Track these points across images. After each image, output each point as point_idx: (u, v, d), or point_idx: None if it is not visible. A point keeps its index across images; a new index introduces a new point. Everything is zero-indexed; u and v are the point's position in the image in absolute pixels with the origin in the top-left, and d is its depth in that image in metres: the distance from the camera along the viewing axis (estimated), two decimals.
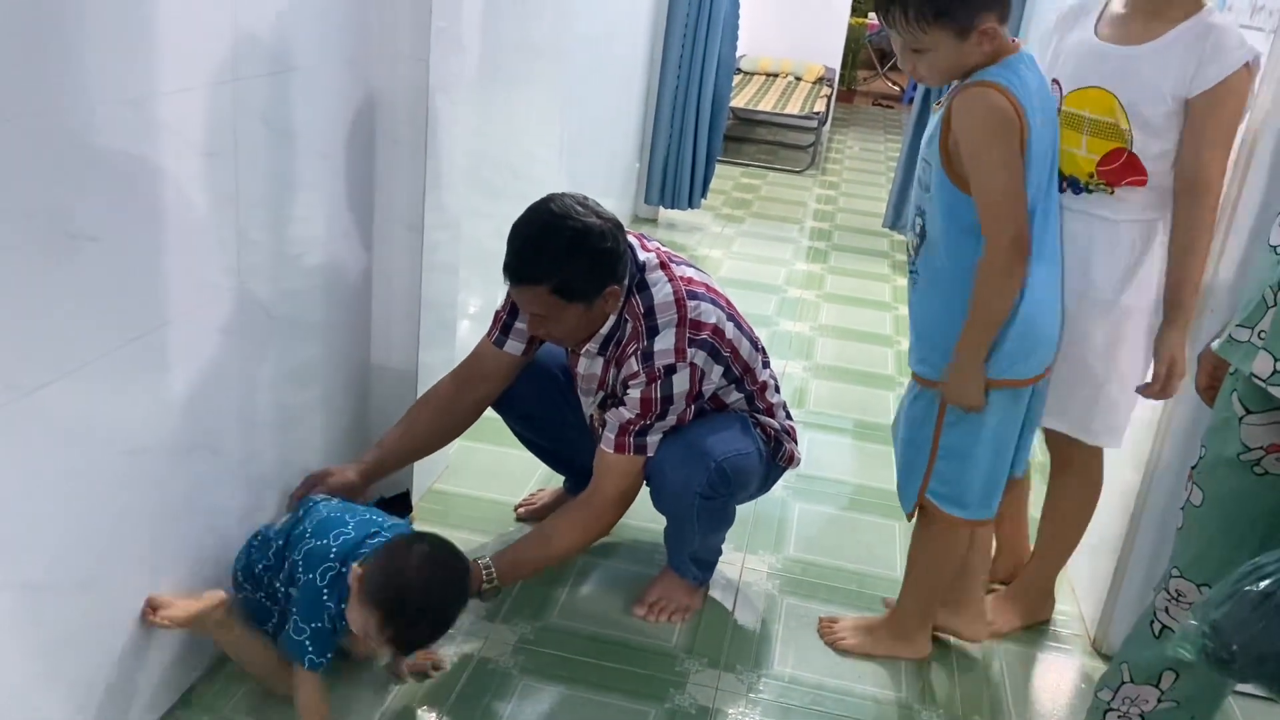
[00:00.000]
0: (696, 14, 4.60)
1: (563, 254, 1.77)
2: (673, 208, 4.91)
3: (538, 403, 2.16)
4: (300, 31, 1.74)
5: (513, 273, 1.81)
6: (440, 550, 1.64)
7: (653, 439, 1.90)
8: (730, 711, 1.85)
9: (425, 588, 1.57)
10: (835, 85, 7.79)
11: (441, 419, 2.07)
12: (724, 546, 2.18)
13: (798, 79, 7.68)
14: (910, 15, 1.54)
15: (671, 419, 1.90)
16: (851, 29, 8.53)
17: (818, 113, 6.72)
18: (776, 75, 7.75)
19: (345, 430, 2.19)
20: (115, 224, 1.37)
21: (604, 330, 1.90)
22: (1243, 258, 1.81)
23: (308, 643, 1.59)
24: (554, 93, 3.41)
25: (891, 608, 2.06)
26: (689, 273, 1.97)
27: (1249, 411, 1.35)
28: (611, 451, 1.90)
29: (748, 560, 2.31)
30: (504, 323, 2.04)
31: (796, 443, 2.15)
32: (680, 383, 1.87)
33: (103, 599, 1.47)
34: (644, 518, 2.27)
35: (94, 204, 1.32)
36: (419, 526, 2.21)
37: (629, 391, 1.88)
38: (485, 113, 2.63)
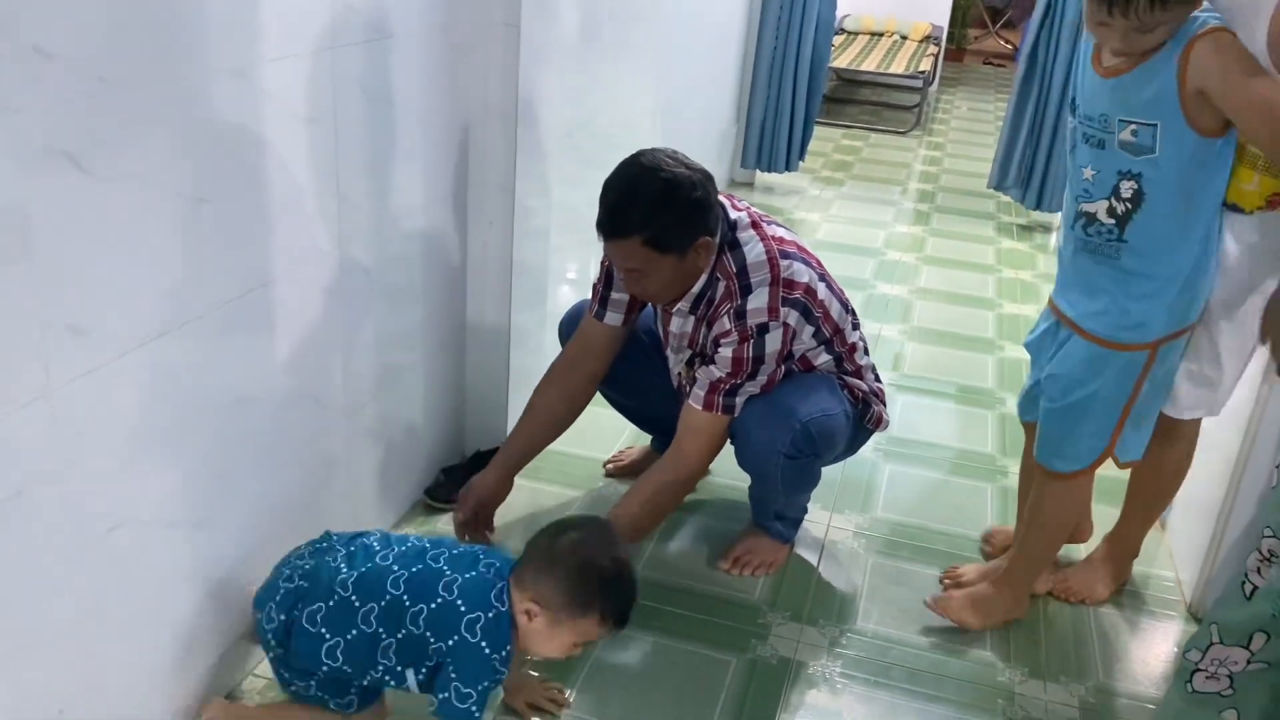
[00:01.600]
0: None
1: (653, 205, 1.79)
2: (770, 171, 4.89)
3: (625, 365, 2.20)
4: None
5: (605, 227, 1.83)
6: (582, 524, 1.58)
7: (740, 399, 1.92)
8: (811, 664, 1.89)
9: (613, 561, 1.51)
10: (943, 44, 7.58)
11: (559, 403, 2.11)
12: (810, 506, 2.21)
13: (903, 38, 7.50)
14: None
15: (762, 378, 1.91)
16: None
17: (923, 72, 6.56)
18: (881, 34, 7.58)
19: (442, 388, 2.28)
20: (225, 187, 1.46)
21: (696, 289, 1.91)
22: None
23: (475, 708, 1.44)
24: (650, 58, 3.42)
25: (993, 576, 2.04)
26: (780, 232, 1.97)
27: None
28: (700, 409, 1.93)
29: (834, 519, 2.33)
30: (600, 295, 2.08)
31: (885, 405, 2.14)
32: (772, 342, 1.89)
33: (211, 538, 1.58)
34: (730, 475, 2.31)
35: (206, 168, 1.41)
36: (514, 481, 2.30)
37: (720, 350, 1.90)
38: (580, 80, 2.66)
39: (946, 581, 2.12)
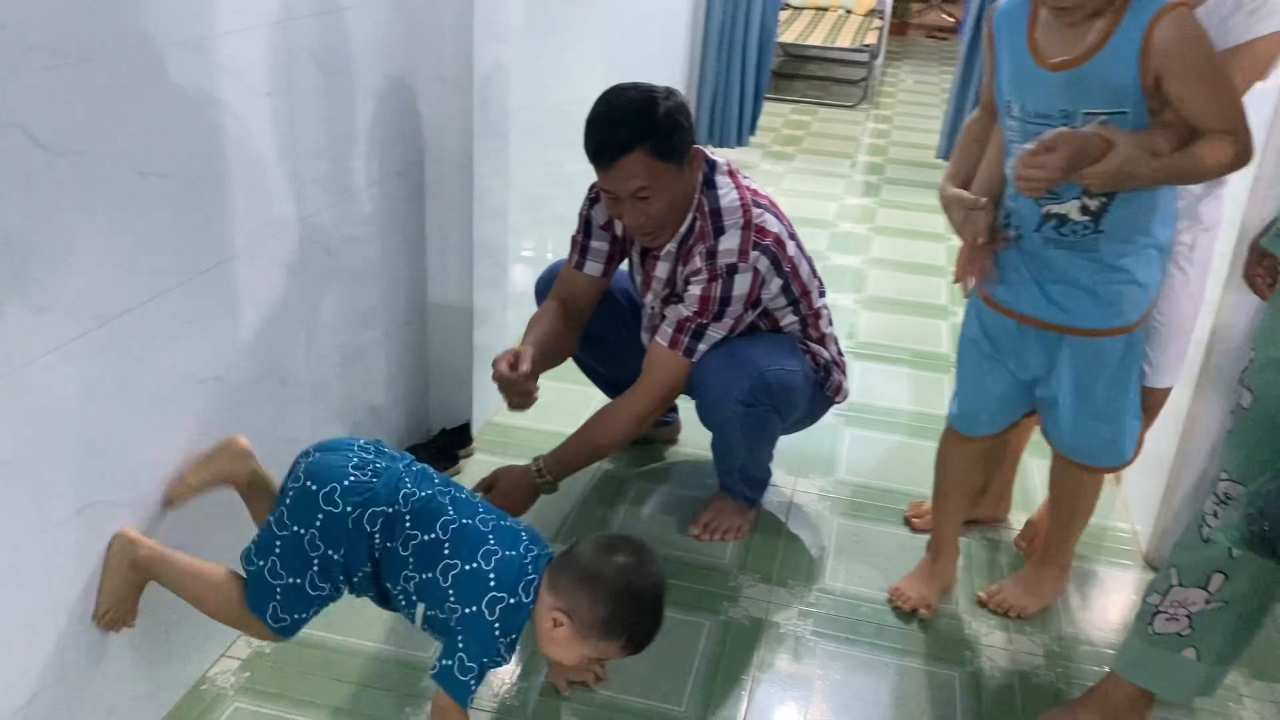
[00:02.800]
0: None
1: (645, 115, 1.84)
2: (721, 145, 4.90)
3: (602, 325, 2.22)
4: None
5: (607, 151, 1.84)
6: (630, 548, 1.51)
7: (704, 346, 1.95)
8: (782, 623, 1.92)
9: (654, 594, 1.49)
10: (888, 18, 7.63)
11: (559, 325, 2.13)
12: (775, 470, 2.23)
13: (848, 12, 7.55)
14: None
15: (728, 322, 1.94)
16: None
17: (869, 46, 6.61)
18: (826, 9, 7.62)
19: (405, 366, 2.27)
20: (183, 162, 1.44)
21: (682, 229, 1.95)
22: None
23: (473, 682, 1.44)
24: (600, 37, 3.41)
25: (1035, 556, 2.03)
26: (754, 186, 2.03)
27: None
28: (665, 345, 1.97)
29: (799, 483, 2.36)
30: (580, 245, 2.12)
31: (846, 377, 2.18)
32: (740, 284, 1.92)
33: (176, 519, 1.56)
34: (696, 444, 2.33)
35: (162, 143, 1.39)
36: (481, 458, 2.30)
37: (690, 288, 1.94)
38: (532, 59, 2.65)
39: (915, 522, 2.19)
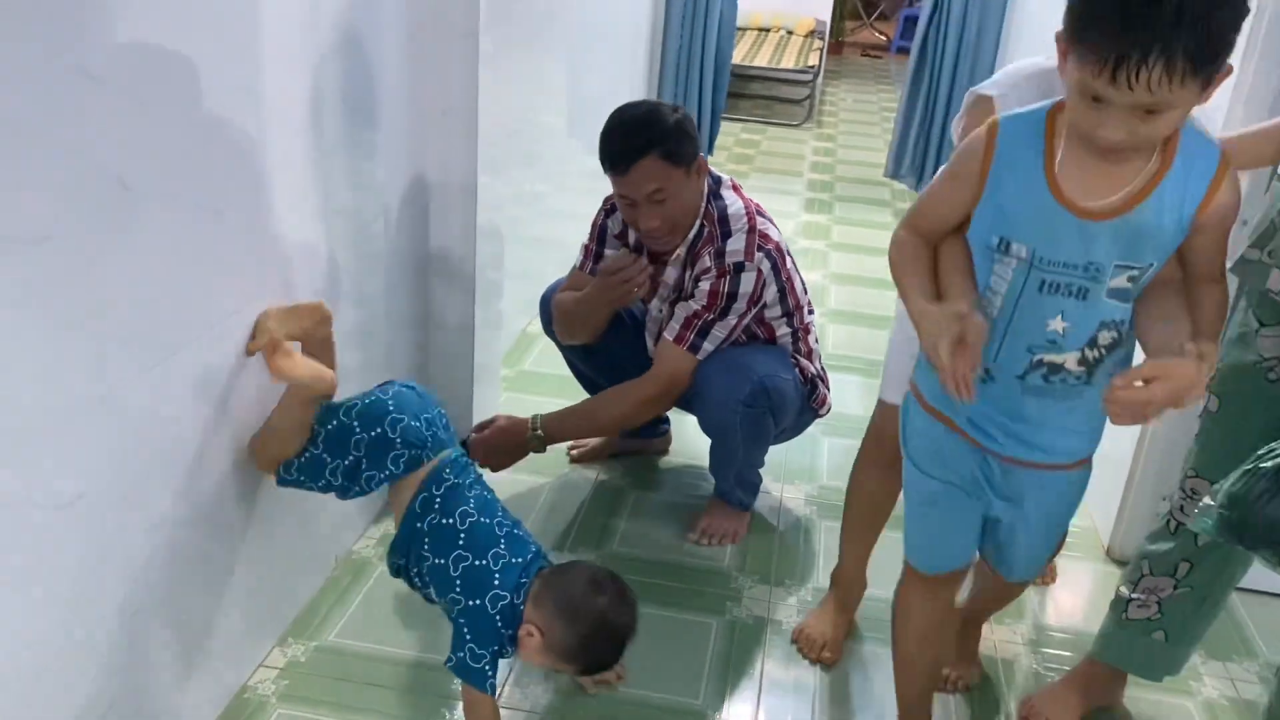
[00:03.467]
0: None
1: (655, 124, 2.05)
2: None
3: (605, 340, 2.34)
4: (361, 10, 1.88)
5: (624, 157, 2.04)
6: (614, 591, 1.61)
7: (709, 345, 2.12)
8: (784, 620, 2.05)
9: (611, 634, 1.59)
10: (827, 38, 7.89)
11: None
12: (765, 477, 2.37)
13: (789, 33, 7.78)
14: (1187, 65, 1.09)
15: (732, 320, 2.10)
16: None
17: (811, 66, 6.84)
18: (769, 30, 7.85)
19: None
20: (234, 199, 1.53)
21: (691, 234, 2.13)
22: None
23: (488, 669, 1.56)
24: (562, 62, 3.52)
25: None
26: (756, 201, 2.23)
27: (1263, 325, 1.53)
28: (672, 341, 2.13)
29: (785, 490, 2.50)
30: (595, 252, 2.30)
31: (829, 391, 2.33)
32: (746, 282, 2.10)
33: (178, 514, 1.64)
34: (689, 455, 2.46)
35: (220, 182, 1.48)
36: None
37: (699, 284, 2.11)
38: (511, 85, 2.76)
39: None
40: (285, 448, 1.65)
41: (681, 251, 2.16)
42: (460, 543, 1.61)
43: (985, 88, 1.60)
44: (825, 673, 1.93)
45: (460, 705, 1.65)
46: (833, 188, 5.32)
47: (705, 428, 2.24)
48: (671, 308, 2.19)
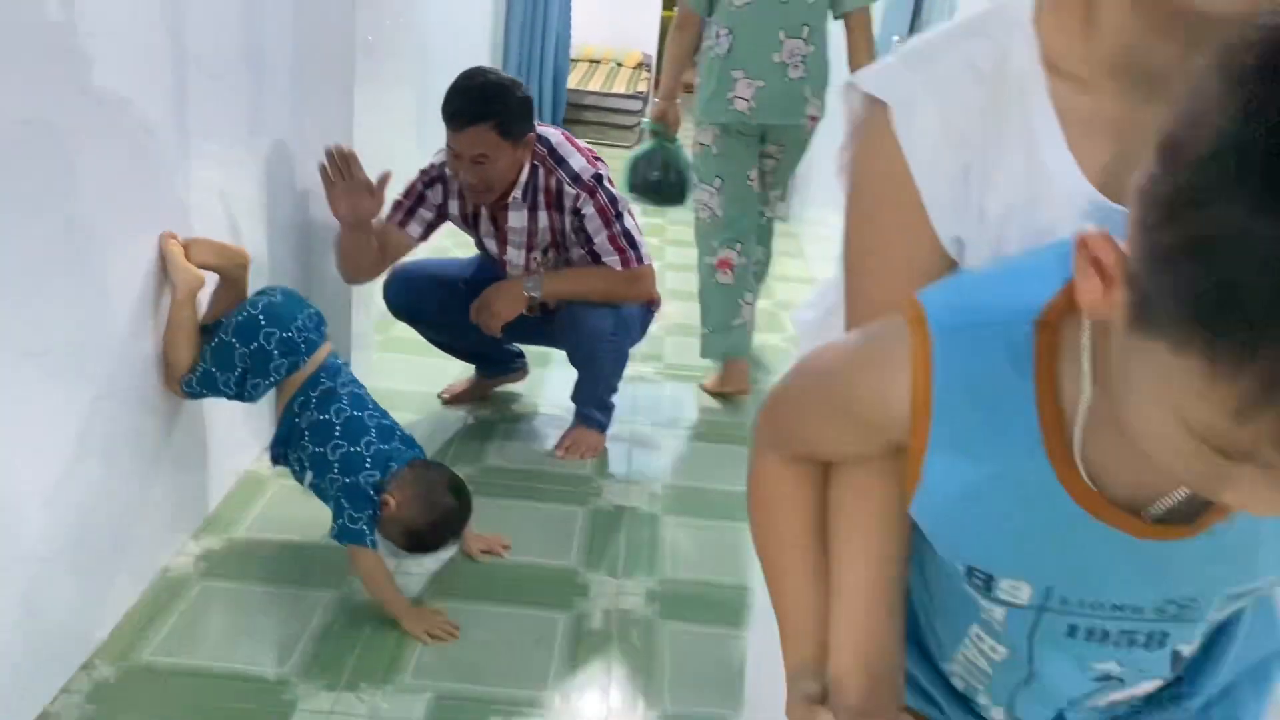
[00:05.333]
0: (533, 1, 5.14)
1: (499, 97, 2.30)
2: None
3: (445, 313, 2.64)
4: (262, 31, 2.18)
5: (461, 116, 2.28)
6: (456, 492, 1.93)
7: (642, 249, 2.48)
8: (640, 506, 2.42)
9: (446, 529, 1.92)
10: (654, 70, 8.46)
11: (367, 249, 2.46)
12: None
13: (619, 64, 8.31)
14: None
15: (629, 219, 2.45)
16: (663, 20, 9.23)
17: (642, 93, 7.36)
18: (599, 61, 8.35)
19: None
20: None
21: (522, 178, 2.41)
22: None
23: (365, 528, 1.85)
24: (409, 87, 3.78)
25: None
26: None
27: None
28: (621, 269, 2.46)
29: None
30: (408, 208, 2.51)
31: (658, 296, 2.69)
32: (610, 187, 2.44)
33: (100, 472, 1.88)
34: (548, 401, 2.80)
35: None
36: None
37: (583, 210, 2.41)
38: (370, 110, 3.03)
39: None
40: (179, 357, 1.88)
41: (518, 194, 2.42)
42: (336, 434, 1.90)
43: (876, 84, 0.80)
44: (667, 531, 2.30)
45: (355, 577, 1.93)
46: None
47: (574, 359, 2.60)
48: (521, 254, 2.51)
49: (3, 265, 1.39)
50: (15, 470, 1.49)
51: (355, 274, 2.50)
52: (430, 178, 2.52)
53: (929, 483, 0.69)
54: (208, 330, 1.92)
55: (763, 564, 0.85)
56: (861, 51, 2.91)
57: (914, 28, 3.68)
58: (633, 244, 2.48)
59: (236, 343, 1.89)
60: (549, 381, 2.98)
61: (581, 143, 2.52)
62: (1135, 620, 0.71)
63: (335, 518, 1.87)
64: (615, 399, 2.71)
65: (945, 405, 0.67)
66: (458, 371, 2.97)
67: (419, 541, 1.92)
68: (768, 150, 3.09)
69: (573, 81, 7.42)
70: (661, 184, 3.22)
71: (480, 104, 2.28)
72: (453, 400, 2.85)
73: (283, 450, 1.98)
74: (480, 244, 2.63)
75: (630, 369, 2.73)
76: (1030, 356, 0.64)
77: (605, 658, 1.89)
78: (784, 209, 5.41)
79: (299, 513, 2.17)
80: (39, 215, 1.47)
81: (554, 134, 2.47)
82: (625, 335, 2.55)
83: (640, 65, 8.34)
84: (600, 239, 2.45)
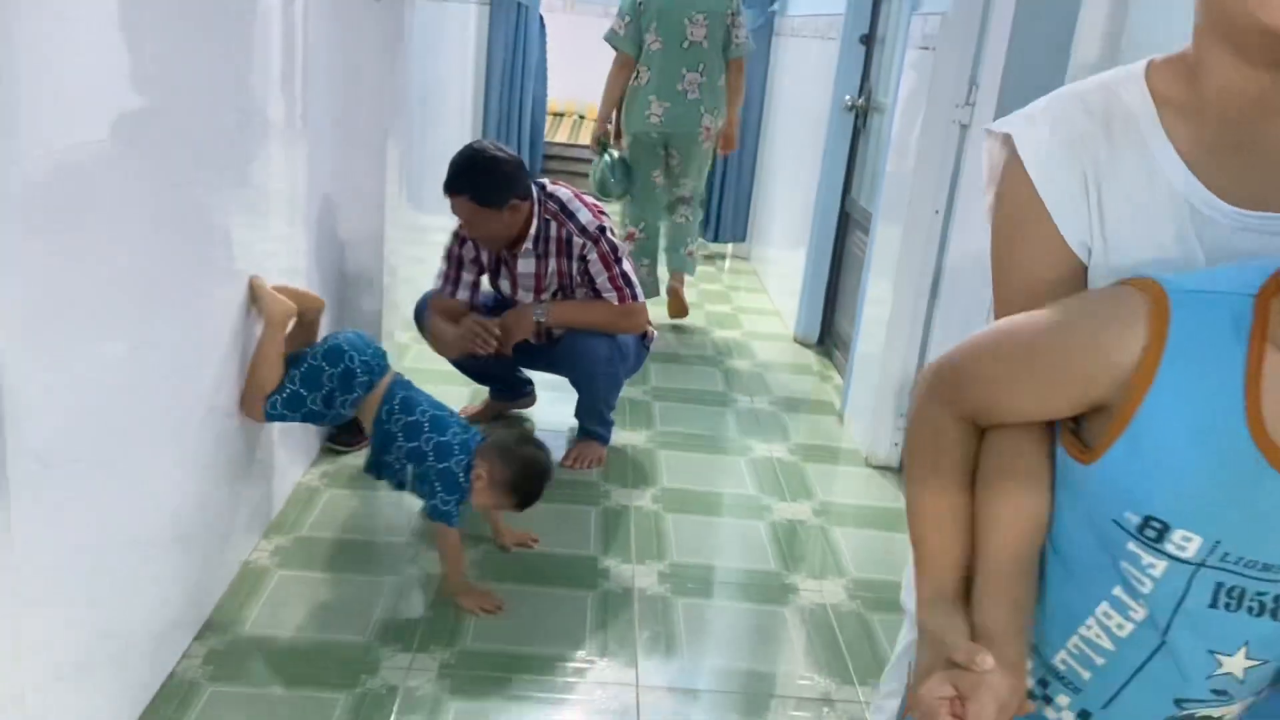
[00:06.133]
0: (511, 61, 5.56)
1: (476, 173, 2.67)
2: None
3: None
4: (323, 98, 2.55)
5: (448, 187, 2.68)
6: (536, 445, 2.33)
7: (638, 288, 2.87)
8: (643, 505, 2.79)
9: (540, 473, 2.27)
10: (615, 122, 8.93)
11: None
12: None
13: (582, 117, 8.77)
14: None
15: (627, 264, 2.85)
16: None
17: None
18: (563, 115, 8.81)
19: None
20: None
21: (531, 232, 2.80)
22: None
23: (453, 510, 2.21)
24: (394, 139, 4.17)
25: None
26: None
27: None
28: (619, 305, 2.86)
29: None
30: (453, 278, 2.94)
31: (651, 326, 3.09)
32: (611, 236, 2.83)
33: (149, 486, 2.22)
34: (550, 422, 3.16)
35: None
36: None
37: (588, 257, 2.81)
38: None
39: None
40: (267, 378, 2.23)
41: (529, 245, 2.82)
42: (426, 429, 2.28)
43: (1000, 123, 0.95)
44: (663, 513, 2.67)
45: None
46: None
47: (576, 383, 2.98)
48: (537, 295, 2.89)
49: (130, 303, 1.75)
50: (138, 474, 1.82)
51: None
52: (461, 238, 2.92)
53: (1138, 430, 0.76)
54: (289, 360, 2.27)
55: (912, 503, 0.93)
56: (737, 87, 4.33)
57: (863, 86, 4.14)
58: (629, 284, 2.88)
59: (325, 365, 2.27)
60: (555, 402, 3.34)
61: (589, 198, 2.93)
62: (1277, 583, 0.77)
63: (429, 498, 2.23)
64: (612, 416, 3.09)
65: (1173, 357, 0.74)
66: (472, 395, 3.33)
67: (524, 493, 2.25)
68: (670, 154, 4.34)
69: None
70: (617, 185, 4.36)
71: (459, 179, 2.67)
72: (469, 420, 3.19)
73: (378, 460, 2.34)
74: (495, 285, 3.01)
75: (624, 391, 3.12)
76: (1248, 324, 0.73)
77: (629, 626, 2.25)
78: (744, 249, 5.89)
79: (351, 515, 2.51)
80: (154, 256, 1.83)
81: (564, 193, 2.88)
82: (621, 362, 2.94)
83: None
84: (602, 279, 2.85)
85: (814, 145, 4.39)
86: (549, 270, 2.87)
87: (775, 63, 5.56)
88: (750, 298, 5.18)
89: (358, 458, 2.83)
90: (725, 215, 5.73)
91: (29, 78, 1.27)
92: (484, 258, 2.93)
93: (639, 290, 2.91)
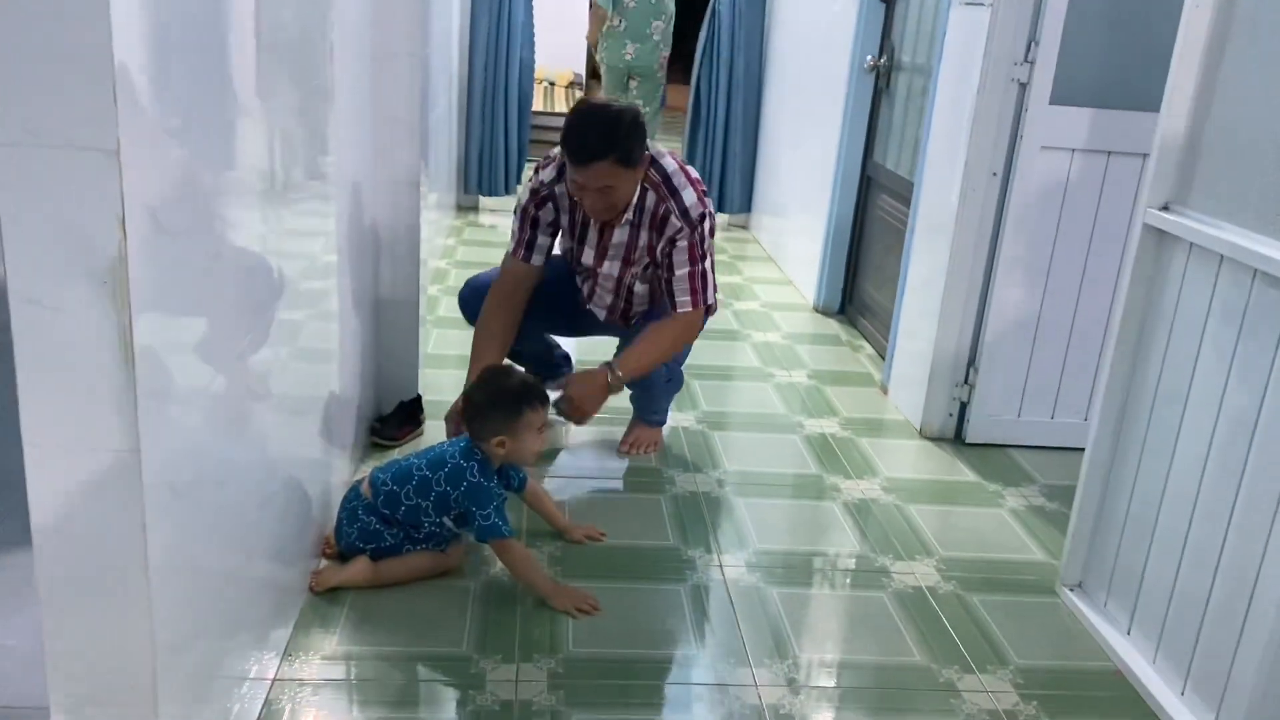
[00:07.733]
0: (496, 24, 5.34)
1: (617, 130, 2.39)
2: (490, 194, 5.63)
3: (550, 308, 2.81)
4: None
5: (585, 154, 2.38)
6: (477, 386, 2.22)
7: (712, 289, 2.61)
8: (713, 492, 2.68)
9: (510, 382, 2.17)
10: (585, 87, 8.73)
11: (508, 330, 2.67)
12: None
13: (552, 84, 8.55)
14: None
15: (710, 259, 2.60)
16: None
17: None
18: (537, 81, 8.58)
19: (362, 356, 2.76)
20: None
21: (634, 199, 2.55)
22: None
23: (498, 521, 2.06)
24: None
25: None
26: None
27: None
28: (691, 309, 2.60)
29: (679, 415, 3.14)
30: (527, 241, 2.67)
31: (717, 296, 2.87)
32: (709, 227, 2.57)
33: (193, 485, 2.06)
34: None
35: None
36: (431, 423, 2.84)
37: (677, 242, 2.55)
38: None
39: None
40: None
41: (630, 215, 2.56)
42: (426, 474, 2.12)
43: None
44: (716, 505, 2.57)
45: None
46: None
47: (633, 395, 2.85)
48: (616, 267, 2.65)
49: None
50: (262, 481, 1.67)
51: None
52: (541, 198, 2.64)
53: None
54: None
55: None
56: None
57: (884, 46, 4.03)
58: (705, 286, 2.62)
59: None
60: None
61: (694, 172, 2.62)
62: None
63: (471, 524, 2.07)
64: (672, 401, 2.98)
65: None
66: None
67: (520, 392, 2.13)
68: (630, 81, 6.11)
69: None
70: None
71: (601, 141, 2.38)
72: None
73: (409, 537, 2.15)
74: (575, 253, 2.74)
75: None
76: None
77: (730, 621, 2.14)
78: (741, 218, 5.78)
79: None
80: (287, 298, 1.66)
81: (670, 163, 2.58)
82: (678, 362, 2.83)
83: (572, 84, 8.60)
84: (681, 273, 2.58)
85: (830, 108, 4.27)
86: (640, 243, 2.62)
87: (774, 25, 5.40)
88: (759, 267, 5.07)
89: (402, 450, 2.70)
90: (730, 187, 5.60)
91: None
92: (563, 220, 2.69)
93: (713, 292, 2.66)
